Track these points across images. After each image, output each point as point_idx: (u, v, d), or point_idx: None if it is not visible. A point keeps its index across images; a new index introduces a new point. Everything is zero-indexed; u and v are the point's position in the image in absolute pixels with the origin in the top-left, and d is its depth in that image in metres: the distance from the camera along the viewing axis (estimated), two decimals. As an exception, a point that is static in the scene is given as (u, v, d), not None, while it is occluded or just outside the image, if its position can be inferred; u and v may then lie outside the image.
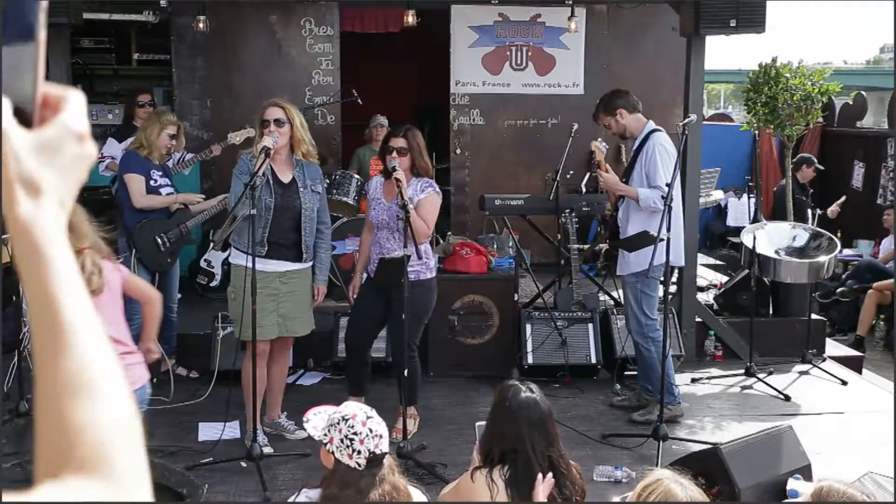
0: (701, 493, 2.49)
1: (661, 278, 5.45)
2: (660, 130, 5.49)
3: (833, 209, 9.04)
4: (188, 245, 6.12)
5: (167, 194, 5.86)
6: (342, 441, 2.63)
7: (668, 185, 5.11)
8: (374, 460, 2.63)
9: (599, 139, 5.83)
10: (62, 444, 0.75)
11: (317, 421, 2.74)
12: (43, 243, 0.77)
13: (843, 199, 9.18)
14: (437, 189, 5.07)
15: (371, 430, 2.63)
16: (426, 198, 4.94)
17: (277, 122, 4.77)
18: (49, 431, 0.75)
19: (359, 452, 2.61)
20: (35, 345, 0.78)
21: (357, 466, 2.62)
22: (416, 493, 2.82)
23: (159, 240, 5.78)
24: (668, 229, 5.17)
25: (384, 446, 2.65)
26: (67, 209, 0.79)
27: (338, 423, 2.66)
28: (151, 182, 5.78)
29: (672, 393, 5.47)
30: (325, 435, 2.67)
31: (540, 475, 2.81)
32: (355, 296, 5.18)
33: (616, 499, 2.85)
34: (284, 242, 4.88)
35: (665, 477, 2.47)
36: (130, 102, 6.92)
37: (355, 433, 2.62)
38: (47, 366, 0.76)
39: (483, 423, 3.23)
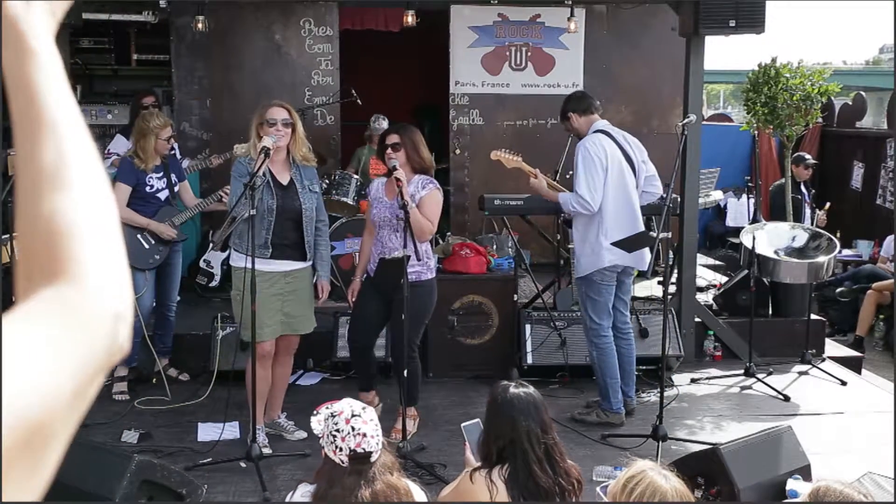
0: (682, 484, 2.48)
1: (607, 283, 5.41)
2: (601, 131, 5.38)
3: (820, 218, 9.09)
4: (177, 241, 5.97)
5: (165, 198, 5.84)
6: (328, 437, 2.67)
7: (667, 185, 5.11)
8: (358, 459, 2.63)
9: (503, 149, 5.85)
10: (34, 237, 0.73)
11: (322, 415, 2.76)
12: (29, 37, 0.77)
13: (829, 205, 9.24)
14: (438, 185, 5.07)
15: (353, 429, 2.63)
16: (428, 195, 4.94)
17: (284, 122, 4.83)
18: (24, 225, 0.74)
19: (340, 449, 2.64)
20: (17, 140, 0.76)
21: (341, 463, 2.64)
22: (419, 494, 2.81)
23: (140, 238, 5.75)
24: (668, 230, 5.20)
25: (368, 445, 2.63)
26: (56, 19, 0.80)
27: (328, 419, 2.70)
28: (147, 188, 5.76)
29: (608, 399, 5.48)
30: (321, 430, 2.70)
31: None
32: (354, 299, 5.15)
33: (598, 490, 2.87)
34: (288, 243, 4.91)
35: (648, 468, 2.48)
36: (135, 106, 6.85)
37: (338, 430, 2.65)
38: (26, 160, 0.75)
39: (468, 423, 3.27)
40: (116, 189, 5.74)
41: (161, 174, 5.83)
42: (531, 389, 2.98)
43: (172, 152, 7.66)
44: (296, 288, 4.96)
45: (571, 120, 5.52)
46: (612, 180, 5.28)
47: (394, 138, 4.95)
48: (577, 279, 5.53)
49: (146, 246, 5.77)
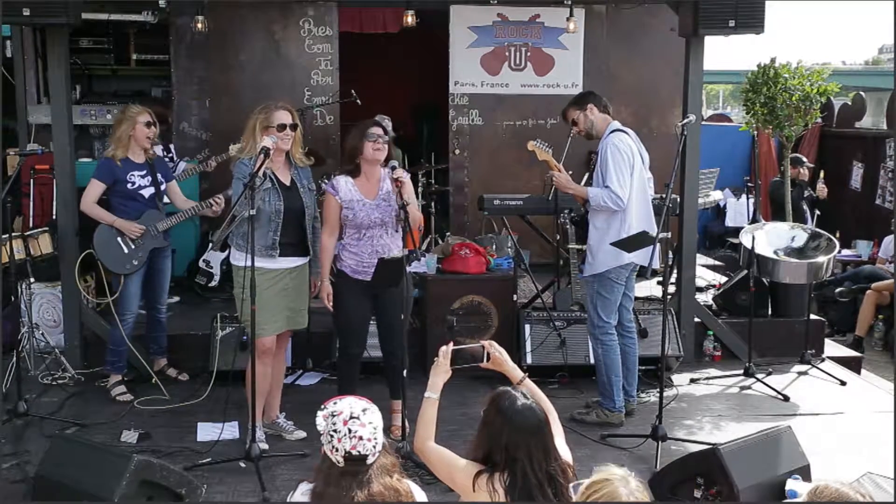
0: (644, 496, 2.45)
1: (620, 281, 5.43)
2: (622, 131, 5.43)
3: (820, 187, 9.18)
4: (160, 246, 5.90)
5: (150, 196, 5.81)
6: (327, 435, 2.67)
7: (666, 185, 5.11)
8: (353, 460, 2.63)
9: (537, 140, 5.82)
10: None
11: (326, 411, 2.75)
12: None
13: (823, 173, 9.39)
14: (405, 171, 5.13)
15: (350, 431, 2.63)
16: (408, 181, 5.01)
17: (291, 126, 4.93)
18: None
19: (337, 450, 2.64)
20: None
21: (336, 463, 2.64)
22: (421, 495, 2.80)
23: (120, 241, 5.71)
24: (667, 230, 5.20)
25: (364, 448, 2.63)
26: None
27: (328, 418, 2.70)
28: (129, 185, 5.74)
29: (610, 398, 5.49)
30: (323, 428, 2.70)
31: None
32: (332, 302, 5.04)
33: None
34: (293, 241, 4.98)
35: (614, 477, 2.44)
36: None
37: (335, 430, 2.65)
38: None
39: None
40: (90, 184, 5.73)
41: (145, 172, 5.80)
42: (535, 405, 2.93)
43: (169, 155, 7.65)
44: (298, 284, 5.05)
45: (589, 111, 5.49)
46: (635, 178, 5.34)
47: (381, 131, 4.95)
48: (588, 276, 5.49)
49: (125, 250, 5.73)
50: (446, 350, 3.31)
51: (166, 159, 7.43)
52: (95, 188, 5.71)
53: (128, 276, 5.77)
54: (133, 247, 5.74)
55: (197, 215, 5.98)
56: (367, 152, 4.92)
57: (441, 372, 3.29)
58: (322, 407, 2.77)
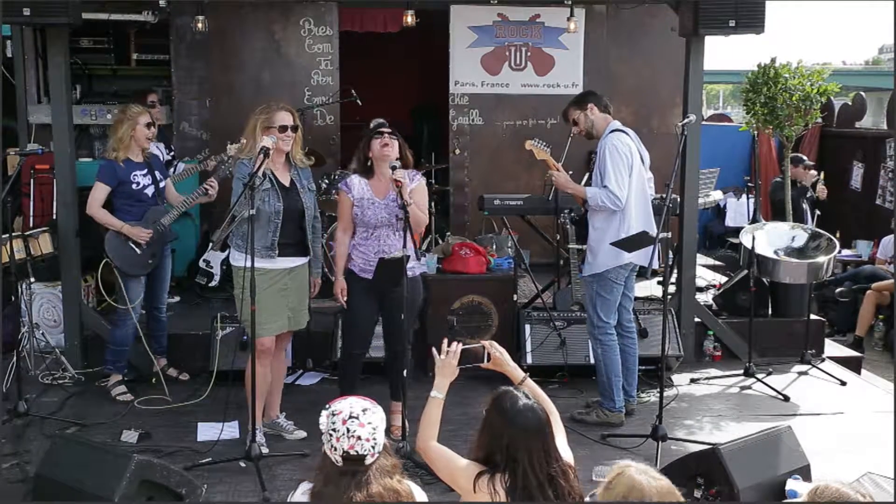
0: (669, 483, 2.45)
1: (619, 281, 5.43)
2: (621, 131, 5.44)
3: (820, 188, 9.18)
4: (169, 242, 5.97)
5: (152, 194, 5.82)
6: (326, 434, 2.67)
7: (666, 185, 5.11)
8: (351, 460, 2.63)
9: (535, 139, 5.82)
10: None
11: (329, 410, 2.75)
12: None
13: (822, 174, 9.40)
14: (421, 175, 5.15)
15: (348, 430, 2.63)
16: (418, 186, 5.02)
17: (292, 128, 4.93)
18: None
19: (335, 449, 2.64)
20: None
21: (335, 462, 2.64)
22: (421, 496, 2.80)
23: (132, 244, 5.71)
24: (667, 230, 5.20)
25: (362, 448, 2.63)
26: None
27: (329, 417, 2.70)
28: (134, 185, 5.74)
29: (610, 398, 5.49)
30: (324, 427, 2.71)
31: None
32: (346, 298, 5.10)
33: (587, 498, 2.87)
34: (292, 241, 4.99)
35: (628, 466, 2.45)
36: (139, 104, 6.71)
37: (334, 430, 2.65)
38: None
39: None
40: (95, 188, 5.71)
41: (145, 171, 5.82)
42: (536, 406, 2.92)
43: (171, 153, 7.64)
44: (297, 284, 5.06)
45: (590, 111, 5.50)
46: (634, 178, 5.34)
47: (387, 129, 5.03)
48: (587, 276, 5.50)
49: (138, 252, 5.73)
50: (455, 349, 3.29)
51: (167, 158, 7.44)
52: (101, 191, 5.69)
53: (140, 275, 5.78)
54: (144, 247, 5.75)
55: (194, 203, 5.97)
56: (376, 149, 4.98)
57: (448, 372, 3.29)
58: (326, 406, 2.77)
